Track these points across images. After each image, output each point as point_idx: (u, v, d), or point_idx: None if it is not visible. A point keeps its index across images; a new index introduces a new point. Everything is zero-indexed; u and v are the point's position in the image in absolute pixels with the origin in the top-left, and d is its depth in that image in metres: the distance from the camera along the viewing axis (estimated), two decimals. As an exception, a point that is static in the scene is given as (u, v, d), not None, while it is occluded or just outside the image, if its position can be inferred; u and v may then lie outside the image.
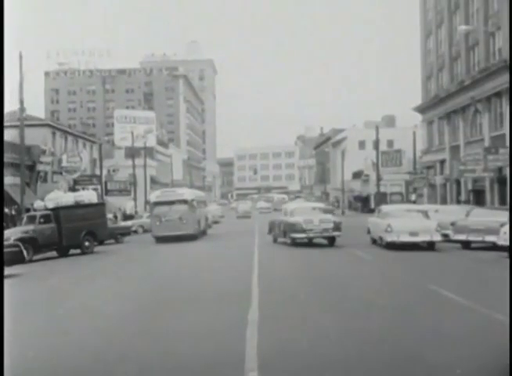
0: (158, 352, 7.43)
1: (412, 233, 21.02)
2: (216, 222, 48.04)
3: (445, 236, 21.49)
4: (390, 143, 70.45)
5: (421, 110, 51.31)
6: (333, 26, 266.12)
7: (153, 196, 32.76)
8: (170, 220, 29.95)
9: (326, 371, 6.33)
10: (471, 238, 20.60)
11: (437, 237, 20.97)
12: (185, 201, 30.89)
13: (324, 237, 23.93)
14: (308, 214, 24.49)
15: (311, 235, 23.63)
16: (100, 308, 11.41)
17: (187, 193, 32.74)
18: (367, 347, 7.31)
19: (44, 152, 43.76)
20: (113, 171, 56.92)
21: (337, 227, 23.63)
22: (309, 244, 24.32)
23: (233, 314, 9.64)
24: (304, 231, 23.46)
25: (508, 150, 30.37)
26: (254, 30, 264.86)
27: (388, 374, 6.33)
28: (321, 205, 29.71)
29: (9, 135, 36.90)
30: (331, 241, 23.83)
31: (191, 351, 7.41)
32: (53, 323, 10.00)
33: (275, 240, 26.32)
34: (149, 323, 9.44)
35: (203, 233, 34.19)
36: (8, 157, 35.52)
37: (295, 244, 23.88)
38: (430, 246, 21.14)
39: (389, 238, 21.23)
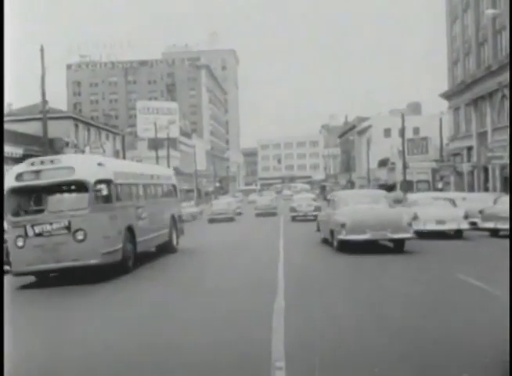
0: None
1: (439, 221, 20.70)
2: (230, 219, 38.93)
3: (473, 224, 21.17)
4: (416, 131, 69.46)
5: (447, 96, 50.39)
6: (357, 11, 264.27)
7: (11, 176, 13.73)
8: (45, 233, 12.98)
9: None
10: (499, 226, 20.08)
11: (464, 225, 20.56)
12: (80, 186, 13.60)
13: (308, 215, 35.36)
14: (301, 201, 37.79)
15: (300, 214, 36.17)
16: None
17: (85, 167, 13.97)
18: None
19: (67, 144, 43.90)
20: (137, 162, 57.05)
21: (317, 209, 34.12)
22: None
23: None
24: (296, 211, 36.52)
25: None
26: (277, 19, 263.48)
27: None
28: (313, 196, 43.19)
29: (32, 127, 37.08)
30: (315, 218, 31.96)
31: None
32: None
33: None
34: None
35: (166, 247, 18.63)
36: (31, 149, 35.65)
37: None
38: (457, 234, 20.77)
39: (415, 226, 20.81)
